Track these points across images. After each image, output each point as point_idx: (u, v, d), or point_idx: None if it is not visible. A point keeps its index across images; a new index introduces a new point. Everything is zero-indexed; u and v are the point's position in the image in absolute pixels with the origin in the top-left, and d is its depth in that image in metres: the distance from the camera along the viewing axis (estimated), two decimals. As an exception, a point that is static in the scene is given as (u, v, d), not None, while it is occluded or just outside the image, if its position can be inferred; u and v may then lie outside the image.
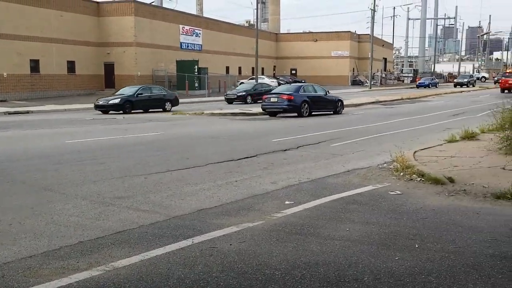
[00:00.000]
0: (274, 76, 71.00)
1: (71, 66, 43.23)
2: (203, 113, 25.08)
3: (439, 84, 76.71)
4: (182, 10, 60.26)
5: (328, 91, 25.97)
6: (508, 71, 59.80)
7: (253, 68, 61.30)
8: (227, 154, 11.81)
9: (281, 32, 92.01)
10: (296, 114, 23.28)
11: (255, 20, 69.69)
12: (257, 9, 50.69)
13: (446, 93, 50.03)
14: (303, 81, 73.33)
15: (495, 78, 79.99)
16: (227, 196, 7.73)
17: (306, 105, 23.48)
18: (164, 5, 67.17)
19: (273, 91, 26.43)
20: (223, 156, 11.49)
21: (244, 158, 11.33)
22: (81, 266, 4.84)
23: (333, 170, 9.80)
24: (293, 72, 79.77)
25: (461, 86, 66.11)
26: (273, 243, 5.48)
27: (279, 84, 64.45)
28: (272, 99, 23.89)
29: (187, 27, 55.10)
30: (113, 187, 8.35)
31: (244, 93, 36.50)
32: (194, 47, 56.33)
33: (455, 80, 73.77)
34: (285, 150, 12.53)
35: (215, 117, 23.62)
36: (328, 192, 7.90)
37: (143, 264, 4.87)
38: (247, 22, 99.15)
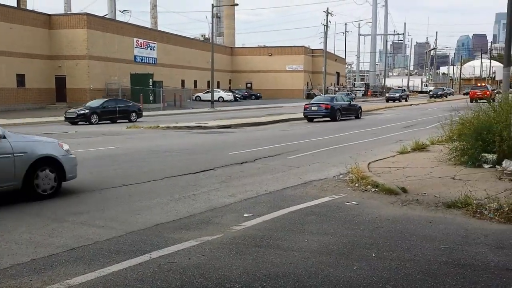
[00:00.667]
0: (230, 90, 71.26)
1: (21, 79, 42.00)
2: (158, 126, 24.83)
3: (375, 99, 76.59)
4: (136, 23, 59.67)
5: (352, 100, 34.57)
6: (479, 84, 71.85)
7: (208, 82, 61.38)
8: (184, 168, 11.72)
9: (236, 46, 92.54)
10: (328, 119, 29.31)
11: (210, 34, 69.83)
12: (212, 23, 50.87)
13: (397, 106, 51.47)
14: (258, 94, 73.97)
15: (465, 91, 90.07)
16: (185, 209, 7.65)
17: (339, 112, 29.97)
18: (118, 18, 66.36)
19: (312, 102, 31.35)
20: (180, 170, 11.39)
21: (202, 171, 11.27)
22: (35, 284, 4.67)
23: (290, 182, 9.88)
24: (249, 85, 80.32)
25: (394, 101, 61.38)
26: (233, 256, 5.46)
27: (235, 97, 64.93)
28: (313, 108, 29.80)
29: (141, 40, 54.62)
30: (66, 202, 8.12)
31: (87, 111, 29.24)
32: (149, 60, 55.85)
33: (386, 95, 68.83)
34: (242, 163, 12.54)
35: (171, 131, 23.41)
36: (286, 204, 7.95)
37: (99, 281, 4.75)
38: (202, 36, 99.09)
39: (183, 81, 62.69)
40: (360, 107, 33.16)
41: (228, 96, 63.94)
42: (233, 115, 35.06)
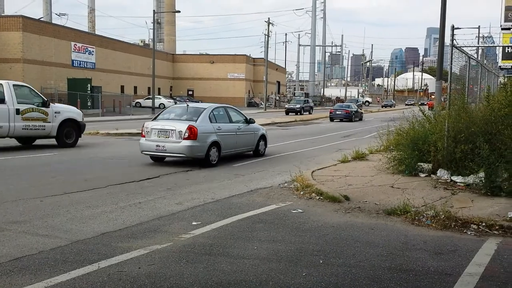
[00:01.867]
0: (171, 97, 70.56)
1: None
2: (98, 133, 24.23)
3: (324, 108, 74.45)
4: (74, 27, 57.99)
5: (359, 107, 47.34)
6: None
7: (149, 88, 60.53)
8: (128, 175, 11.54)
9: (178, 53, 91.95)
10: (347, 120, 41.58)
11: (150, 40, 68.95)
12: (153, 29, 50.28)
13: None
14: (200, 101, 73.68)
15: (422, 102, 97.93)
16: (131, 218, 7.56)
17: (353, 115, 42.85)
18: (54, 22, 64.24)
19: (335, 107, 45.31)
20: (124, 177, 11.21)
21: (147, 179, 11.15)
22: (-22, 297, 4.50)
23: (237, 190, 9.97)
24: (190, 93, 79.89)
25: (296, 114, 50.80)
26: (183, 264, 5.47)
27: (176, 104, 64.23)
28: (338, 112, 42.97)
29: (79, 45, 53.19)
30: (6, 211, 7.82)
31: None
32: (87, 65, 54.42)
33: (286, 106, 56.31)
34: (187, 171, 12.50)
35: (111, 137, 22.92)
36: (234, 211, 8.03)
37: (48, 292, 4.63)
38: (142, 41, 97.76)
39: (122, 87, 61.53)
40: (358, 111, 45.40)
41: (169, 103, 63.02)
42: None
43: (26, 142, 18.23)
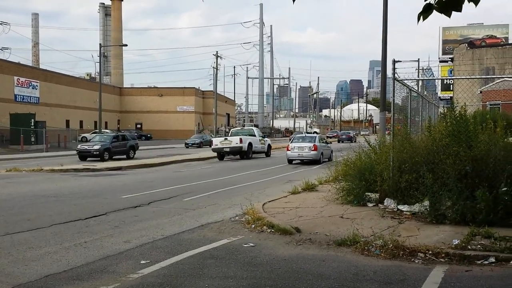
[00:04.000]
0: (119, 130, 69.41)
1: None
2: (42, 169, 23.43)
3: (274, 140, 74.50)
4: (17, 61, 56.55)
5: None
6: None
7: (96, 122, 59.36)
8: (74, 214, 11.16)
9: (125, 86, 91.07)
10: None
11: (97, 73, 68.06)
12: (100, 62, 49.72)
13: (284, 147, 53.30)
14: (148, 134, 72.84)
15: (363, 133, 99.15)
16: (77, 258, 7.28)
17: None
18: (-4, 54, 62.46)
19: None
20: (69, 216, 10.83)
21: (93, 216, 10.81)
22: None
23: (187, 225, 9.82)
24: (139, 126, 78.95)
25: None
26: (132, 305, 5.29)
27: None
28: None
29: (22, 79, 51.84)
30: None
31: None
32: (31, 99, 53.02)
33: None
34: (136, 207, 12.24)
35: (56, 174, 22.19)
36: (184, 248, 7.88)
37: None
38: (88, 75, 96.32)
39: (68, 121, 60.15)
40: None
41: (117, 137, 62.19)
42: (121, 157, 34.11)
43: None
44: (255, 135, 33.76)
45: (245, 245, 8.05)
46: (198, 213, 11.35)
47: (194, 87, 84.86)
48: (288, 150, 27.35)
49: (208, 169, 25.06)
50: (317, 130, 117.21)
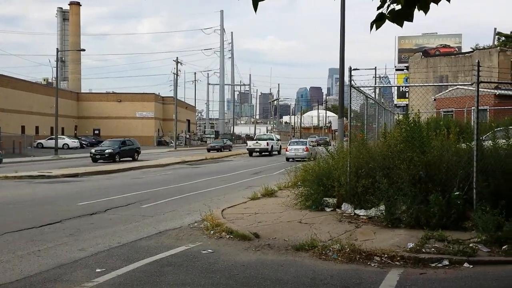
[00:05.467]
0: (76, 136, 67.95)
1: None
2: (-6, 176, 22.65)
3: (234, 145, 74.90)
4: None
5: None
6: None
7: (52, 128, 57.91)
8: (28, 221, 10.84)
9: (83, 91, 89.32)
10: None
11: (54, 78, 66.57)
12: (57, 67, 48.59)
13: (244, 153, 53.35)
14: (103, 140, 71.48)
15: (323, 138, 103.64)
16: (30, 267, 7.08)
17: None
18: None
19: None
20: (23, 224, 10.51)
21: (47, 224, 10.53)
22: None
23: (144, 233, 9.68)
24: (97, 132, 77.47)
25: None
26: (86, 315, 5.17)
27: (82, 144, 61.86)
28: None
29: (-25, 83, 50.03)
30: None
31: None
32: (-17, 104, 51.18)
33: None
34: (92, 214, 11.99)
35: (10, 181, 21.51)
36: (141, 255, 7.77)
37: None
38: (45, 80, 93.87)
39: (23, 127, 58.38)
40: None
41: (73, 143, 60.83)
42: (80, 163, 33.41)
43: None
44: (273, 139, 48.07)
45: (204, 252, 8.00)
46: (156, 220, 11.22)
47: (154, 93, 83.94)
48: (287, 151, 35.48)
49: (168, 175, 24.80)
50: (278, 136, 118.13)
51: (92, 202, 14.05)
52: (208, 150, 55.24)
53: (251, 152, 44.99)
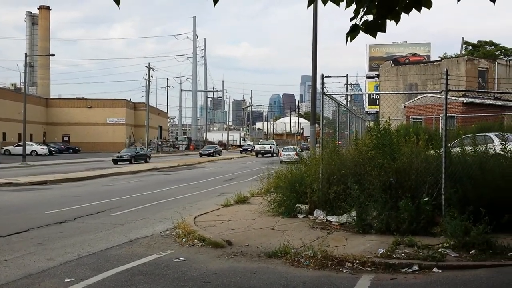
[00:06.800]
0: (45, 143, 66.63)
1: None
2: (-41, 184, 22.00)
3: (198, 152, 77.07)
4: None
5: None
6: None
7: (20, 134, 56.69)
8: (-7, 231, 10.55)
9: (52, 97, 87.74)
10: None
11: (22, 84, 65.29)
12: (25, 72, 47.67)
13: (218, 160, 53.29)
14: (76, 147, 70.46)
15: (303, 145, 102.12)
16: (-5, 279, 6.87)
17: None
18: None
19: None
20: (-12, 233, 10.22)
21: (14, 233, 10.27)
22: None
23: (115, 241, 9.53)
24: (66, 138, 76.18)
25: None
26: (54, 326, 5.05)
27: (50, 151, 60.75)
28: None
29: None
30: None
31: None
32: None
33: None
34: (61, 223, 11.75)
35: (-26, 189, 20.91)
36: (111, 265, 7.64)
37: None
38: (12, 85, 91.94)
39: (-11, 133, 57.03)
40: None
41: (42, 149, 59.65)
42: (48, 170, 32.75)
43: None
44: (274, 144, 63.96)
45: (175, 260, 7.92)
46: (127, 228, 11.06)
47: (125, 99, 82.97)
48: (281, 155, 39.89)
49: (139, 182, 24.52)
50: (250, 143, 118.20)
51: (61, 210, 13.78)
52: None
53: (257, 153, 60.54)
